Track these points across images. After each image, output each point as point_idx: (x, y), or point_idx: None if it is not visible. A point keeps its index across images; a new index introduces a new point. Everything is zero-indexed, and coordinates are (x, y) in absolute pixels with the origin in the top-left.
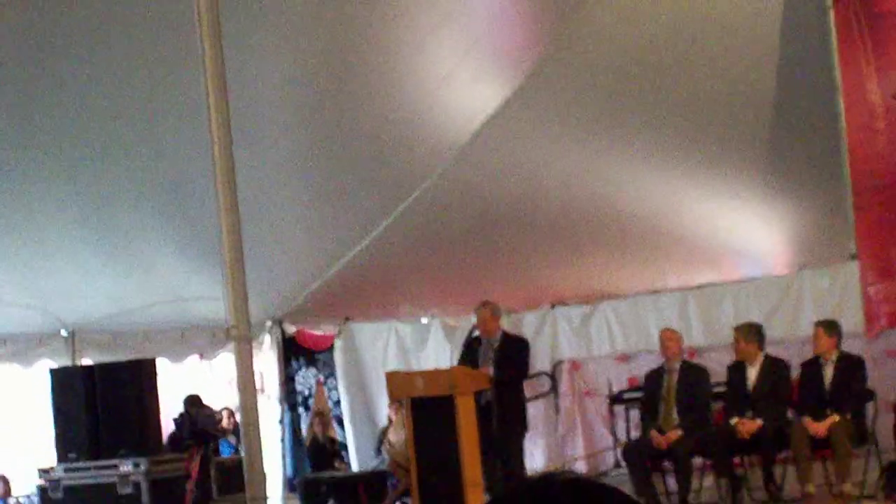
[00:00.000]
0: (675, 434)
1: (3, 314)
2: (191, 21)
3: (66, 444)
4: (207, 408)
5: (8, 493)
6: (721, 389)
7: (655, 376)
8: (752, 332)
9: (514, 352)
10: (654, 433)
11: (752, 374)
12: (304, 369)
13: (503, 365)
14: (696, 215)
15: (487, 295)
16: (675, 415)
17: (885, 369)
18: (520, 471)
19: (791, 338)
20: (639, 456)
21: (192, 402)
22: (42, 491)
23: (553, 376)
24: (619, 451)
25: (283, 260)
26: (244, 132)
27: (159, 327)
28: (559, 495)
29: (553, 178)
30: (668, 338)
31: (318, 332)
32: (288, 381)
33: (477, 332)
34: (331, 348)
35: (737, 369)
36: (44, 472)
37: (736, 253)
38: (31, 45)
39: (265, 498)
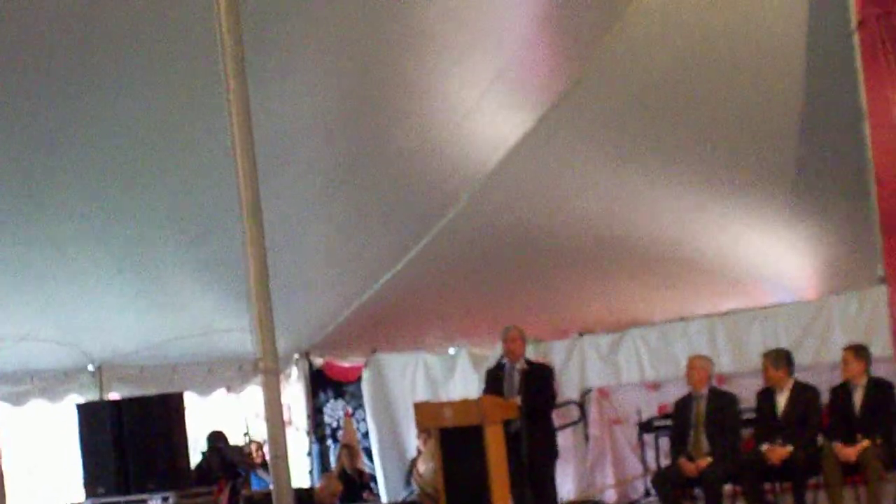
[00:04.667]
0: (705, 461)
1: (31, 349)
2: (216, 54)
3: (95, 479)
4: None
5: None
6: (750, 416)
7: (684, 404)
8: (780, 359)
9: (540, 379)
10: (683, 461)
11: (782, 400)
12: (332, 401)
13: (530, 392)
14: (724, 241)
15: (515, 324)
16: (704, 442)
17: None
18: (552, 500)
19: (820, 363)
20: (668, 484)
21: (216, 437)
22: None
23: (582, 405)
24: (648, 479)
25: (309, 292)
26: (269, 165)
27: (186, 361)
28: None
29: (580, 205)
30: (695, 365)
31: (345, 364)
32: (316, 414)
33: (504, 360)
34: (358, 380)
35: (766, 396)
36: None
37: (764, 279)
38: (60, 81)
39: None
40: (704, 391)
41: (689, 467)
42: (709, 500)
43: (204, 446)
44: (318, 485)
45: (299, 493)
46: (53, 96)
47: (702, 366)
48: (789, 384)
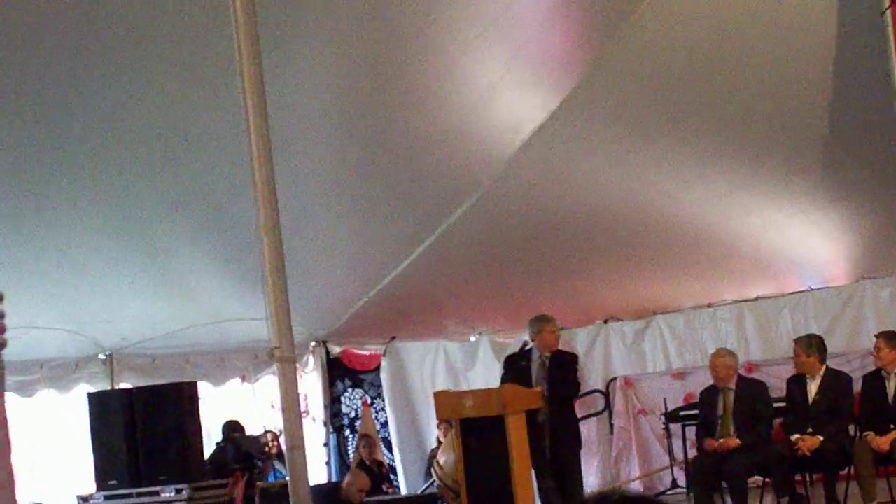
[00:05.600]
0: (734, 442)
1: (41, 338)
2: (229, 37)
3: (106, 470)
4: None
5: None
6: (780, 405)
7: (711, 393)
8: (812, 345)
9: (565, 368)
10: (708, 441)
11: (813, 387)
12: (349, 390)
13: (555, 381)
14: (752, 226)
15: (537, 311)
16: (732, 432)
17: None
18: (578, 491)
19: (852, 350)
20: (701, 474)
21: (232, 427)
22: None
23: (606, 394)
24: (675, 470)
25: (326, 278)
26: (285, 149)
27: (199, 350)
28: None
29: (604, 190)
30: (719, 365)
31: (363, 353)
32: (333, 403)
33: (529, 346)
34: (377, 368)
35: (797, 382)
36: (83, 500)
37: (793, 264)
38: (69, 66)
39: None
40: (732, 384)
41: (714, 445)
42: (733, 491)
43: (219, 437)
44: (345, 480)
45: (325, 488)
46: (62, 81)
47: (725, 364)
48: (821, 371)
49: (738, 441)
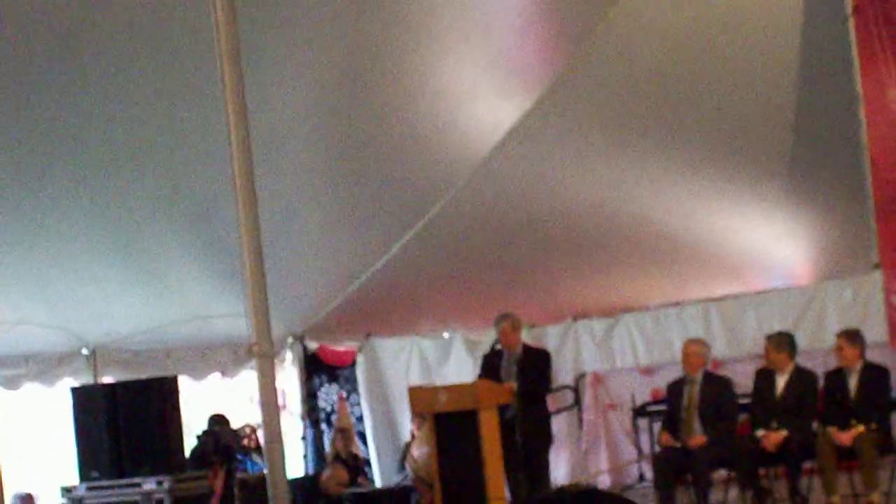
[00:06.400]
0: (700, 439)
1: (25, 333)
2: (210, 40)
3: (89, 462)
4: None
5: None
6: (745, 401)
7: (677, 387)
8: (783, 342)
9: (536, 364)
10: (665, 435)
11: (781, 383)
12: (326, 385)
13: (526, 378)
14: (718, 227)
15: (509, 309)
16: (696, 426)
17: None
18: (545, 485)
19: (815, 349)
20: (666, 468)
21: (217, 420)
22: None
23: (576, 390)
24: (642, 464)
25: (304, 276)
26: (264, 150)
27: (181, 345)
28: None
29: (574, 191)
30: (690, 350)
31: (339, 349)
32: (310, 398)
33: (498, 346)
34: (353, 364)
35: (765, 377)
36: (67, 491)
37: (758, 264)
38: (54, 65)
39: None
40: (699, 376)
41: (671, 441)
42: (698, 484)
43: (200, 430)
44: (323, 474)
45: (303, 481)
46: (48, 81)
47: (697, 351)
48: (790, 367)
49: (702, 439)
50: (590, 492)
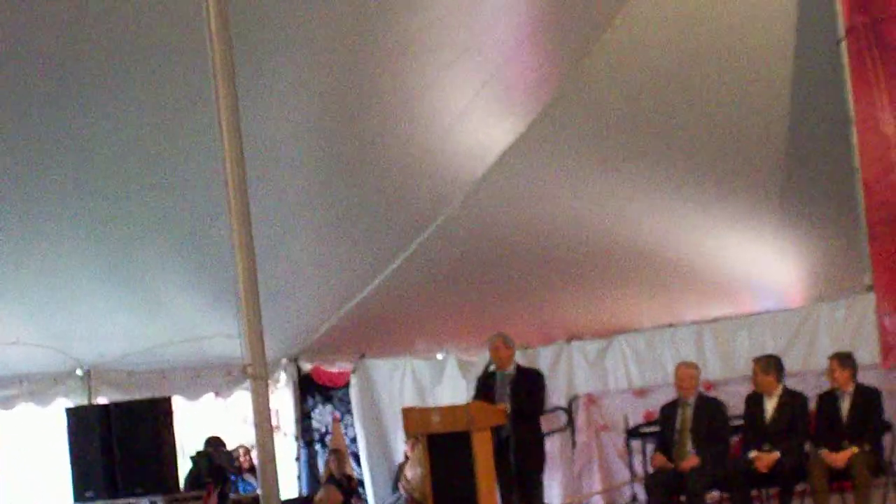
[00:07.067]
0: (693, 461)
1: (20, 354)
2: (204, 60)
3: (84, 483)
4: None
5: None
6: (738, 423)
7: (670, 409)
8: (770, 365)
9: (529, 385)
10: (658, 456)
11: (770, 406)
12: (320, 406)
13: (519, 398)
14: (711, 249)
15: (502, 330)
16: (689, 448)
17: None
18: None
19: (807, 370)
20: (659, 488)
21: (212, 442)
22: None
23: (569, 411)
24: (635, 485)
25: (298, 297)
26: (259, 170)
27: (175, 366)
28: None
29: (568, 212)
30: (683, 374)
31: (333, 370)
32: (304, 419)
33: (492, 367)
34: (346, 385)
35: (754, 401)
36: None
37: (751, 286)
38: (47, 86)
39: None
40: (692, 398)
41: (664, 462)
42: None
43: (193, 451)
44: (317, 495)
45: (297, 501)
46: (41, 101)
47: (690, 374)
48: (778, 390)
49: (695, 460)
50: None
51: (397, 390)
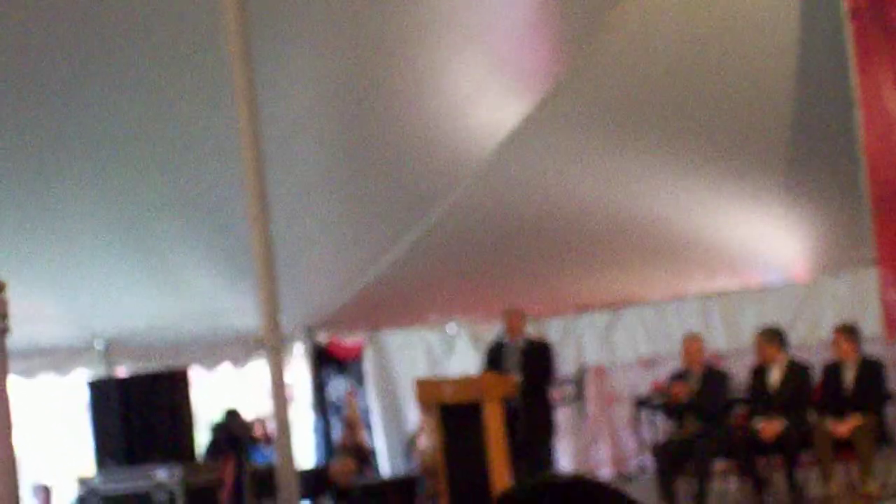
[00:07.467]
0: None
1: (40, 327)
2: (223, 41)
3: (104, 453)
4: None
5: (48, 502)
6: (743, 395)
7: (678, 380)
8: (773, 336)
9: (539, 356)
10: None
11: (775, 376)
12: (334, 378)
13: (529, 370)
14: (718, 223)
15: (513, 302)
16: (695, 417)
17: None
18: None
19: (812, 343)
20: (667, 457)
21: (231, 414)
22: (80, 500)
23: (578, 382)
24: (644, 455)
25: (314, 270)
26: (274, 146)
27: (192, 338)
28: (558, 494)
29: (576, 188)
30: (691, 347)
31: (348, 342)
32: (319, 390)
33: (504, 339)
34: (361, 357)
35: (759, 372)
36: (82, 482)
37: (757, 260)
38: (66, 63)
39: None
40: (699, 369)
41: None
42: (699, 475)
43: (211, 421)
44: (333, 464)
45: (314, 472)
46: (60, 78)
47: (697, 348)
48: (783, 361)
49: (698, 426)
50: (579, 480)
51: (410, 362)
